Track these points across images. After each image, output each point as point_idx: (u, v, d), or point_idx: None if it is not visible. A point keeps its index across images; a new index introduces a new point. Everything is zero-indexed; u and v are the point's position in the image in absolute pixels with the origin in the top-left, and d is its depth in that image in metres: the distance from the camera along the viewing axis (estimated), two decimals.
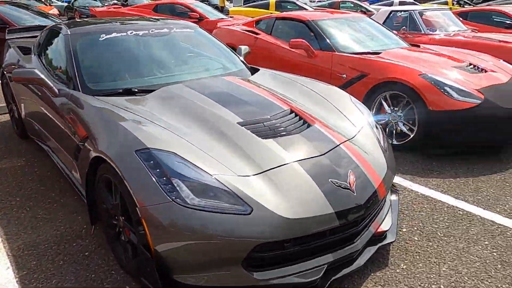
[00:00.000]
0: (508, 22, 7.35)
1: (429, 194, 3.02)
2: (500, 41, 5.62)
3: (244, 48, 3.70)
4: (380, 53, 4.24)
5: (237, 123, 2.19)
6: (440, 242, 2.44)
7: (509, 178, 3.27)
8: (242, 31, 5.53)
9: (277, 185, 1.85)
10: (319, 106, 2.62)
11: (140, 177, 1.78)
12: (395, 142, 3.78)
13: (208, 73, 3.08)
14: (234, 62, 3.39)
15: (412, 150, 3.74)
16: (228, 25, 6.10)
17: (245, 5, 12.73)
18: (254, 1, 13.07)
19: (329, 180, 1.93)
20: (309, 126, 2.30)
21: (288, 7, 11.22)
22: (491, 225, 2.62)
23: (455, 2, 19.47)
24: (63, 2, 26.95)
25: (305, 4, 13.70)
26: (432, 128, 3.50)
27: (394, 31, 5.69)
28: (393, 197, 2.58)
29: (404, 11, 6.47)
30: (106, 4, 21.06)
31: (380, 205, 2.19)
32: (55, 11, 17.29)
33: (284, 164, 1.96)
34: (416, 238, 2.48)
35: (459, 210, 2.79)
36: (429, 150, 3.68)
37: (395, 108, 3.74)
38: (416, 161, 3.59)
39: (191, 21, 9.00)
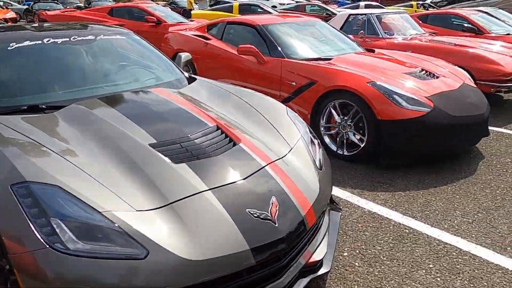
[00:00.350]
0: (465, 25, 7.39)
1: (377, 210, 2.84)
2: (455, 44, 5.58)
3: (184, 56, 3.44)
4: (331, 59, 4.07)
5: (148, 145, 1.93)
6: (382, 267, 2.25)
7: (460, 189, 3.14)
8: (193, 36, 5.27)
9: (184, 220, 1.60)
10: (252, 121, 2.38)
11: (12, 218, 1.49)
12: (346, 153, 3.60)
13: (136, 85, 2.79)
14: (170, 71, 3.11)
15: (363, 161, 3.57)
16: (180, 30, 5.81)
17: (208, 9, 12.46)
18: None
19: (246, 210, 1.70)
20: (234, 145, 2.06)
21: (257, 10, 11.02)
22: (437, 244, 2.45)
23: (420, 5, 19.85)
24: (23, 5, 25.91)
25: (277, 6, 13.57)
26: (381, 138, 3.33)
27: (350, 36, 5.56)
28: (334, 217, 2.38)
29: (362, 14, 6.37)
30: (68, 7, 20.33)
31: (310, 233, 1.98)
32: (12, 14, 16.50)
33: (195, 194, 1.71)
34: (357, 264, 2.28)
35: (406, 228, 2.62)
36: (381, 160, 3.52)
37: (345, 117, 3.57)
38: (367, 173, 3.42)
39: (148, 25, 8.70)
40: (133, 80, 2.85)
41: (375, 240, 2.48)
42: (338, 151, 3.66)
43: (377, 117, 3.28)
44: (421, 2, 21.97)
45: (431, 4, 21.16)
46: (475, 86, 3.99)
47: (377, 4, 16.90)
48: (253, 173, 1.89)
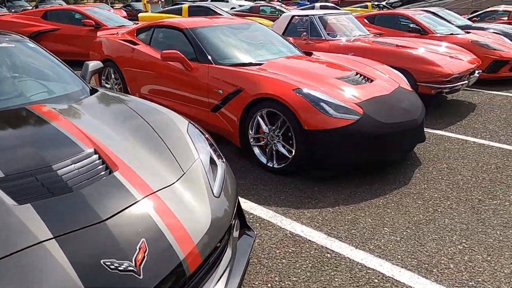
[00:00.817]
0: (411, 25, 7.37)
1: (300, 231, 2.58)
2: (397, 45, 5.48)
3: (92, 65, 3.06)
4: (262, 64, 3.80)
5: None
6: None
7: (392, 202, 2.95)
8: (120, 41, 4.87)
9: (14, 279, 1.25)
10: (145, 143, 2.05)
11: None
12: (276, 166, 3.34)
13: (18, 100, 2.40)
14: (68, 83, 2.74)
15: (294, 174, 3.32)
16: (110, 34, 5.39)
17: (158, 11, 11.99)
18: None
19: (101, 262, 1.37)
20: (110, 173, 1.73)
21: (209, 12, 10.66)
22: (359, 270, 2.21)
23: (375, 6, 20.18)
24: None
25: (236, 8, 13.27)
26: (309, 149, 3.09)
27: (289, 38, 5.34)
28: (244, 245, 2.09)
29: (305, 16, 6.17)
30: (13, 11, 19.20)
31: (197, 277, 1.67)
32: None
33: (33, 246, 1.36)
34: None
35: (328, 252, 2.37)
36: (311, 173, 3.28)
37: (273, 128, 3.30)
38: (296, 187, 3.16)
39: (86, 29, 8.18)
40: (14, 96, 2.45)
41: (292, 270, 2.21)
42: (268, 164, 3.39)
43: (304, 127, 3.03)
44: (376, 3, 22.41)
45: (385, 5, 21.60)
46: (410, 89, 3.84)
47: (333, 5, 16.97)
48: (121, 210, 1.56)
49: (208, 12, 10.70)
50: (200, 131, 2.32)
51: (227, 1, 23.43)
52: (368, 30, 7.85)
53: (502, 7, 13.51)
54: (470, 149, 3.98)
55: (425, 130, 4.51)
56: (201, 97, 3.84)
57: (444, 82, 4.87)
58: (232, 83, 3.53)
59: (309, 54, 4.56)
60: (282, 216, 2.76)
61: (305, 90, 3.12)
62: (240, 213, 2.30)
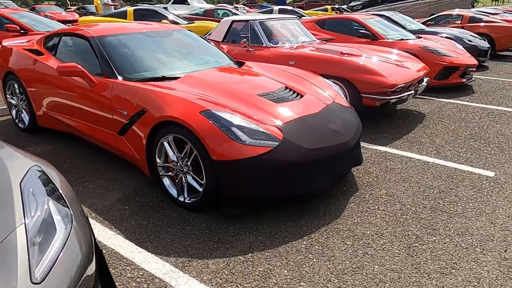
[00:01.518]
0: (361, 31, 7.06)
1: None
2: (341, 53, 5.10)
3: None
4: (178, 78, 3.28)
5: None
6: None
7: (316, 244, 2.49)
8: (23, 51, 4.21)
9: None
10: None
11: None
12: (187, 200, 2.82)
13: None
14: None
15: (208, 210, 2.82)
16: (19, 42, 4.70)
17: (102, 15, 11.20)
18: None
19: None
20: None
21: (156, 16, 10.02)
22: None
23: (335, 10, 20.09)
24: None
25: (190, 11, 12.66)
26: (220, 182, 2.60)
27: (223, 46, 4.85)
28: None
29: (246, 21, 5.71)
30: None
31: None
32: None
33: None
34: None
35: None
36: (224, 210, 2.78)
37: (182, 156, 2.79)
38: (208, 227, 2.66)
39: (11, 35, 7.38)
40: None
41: None
42: (179, 198, 2.87)
43: (211, 157, 2.53)
44: (336, 6, 22.37)
45: (346, 8, 21.59)
46: (346, 105, 3.42)
47: (292, 9, 16.66)
48: None
49: (155, 15, 10.08)
50: (48, 177, 1.75)
51: (188, 4, 22.80)
52: (318, 35, 7.51)
53: (456, 11, 13.63)
54: (414, 169, 3.62)
55: (368, 146, 4.14)
56: (106, 118, 3.27)
57: (389, 93, 4.52)
58: (136, 103, 2.99)
59: (240, 64, 4.09)
60: (179, 272, 2.24)
61: (215, 113, 2.62)
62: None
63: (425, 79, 5.43)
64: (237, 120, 2.61)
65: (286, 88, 3.32)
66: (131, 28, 3.88)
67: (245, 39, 5.53)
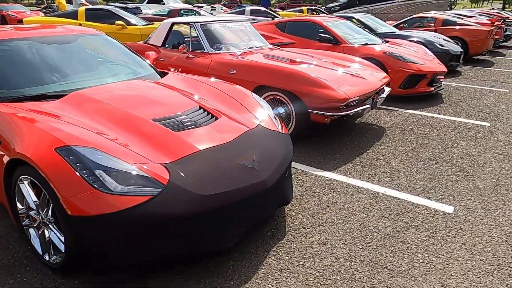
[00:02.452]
0: (322, 34, 6.48)
1: None
2: (290, 61, 4.49)
3: None
4: (62, 96, 2.61)
5: None
6: None
7: None
8: None
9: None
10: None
11: None
12: (52, 261, 2.15)
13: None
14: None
15: (77, 272, 2.16)
16: None
17: (50, 14, 10.37)
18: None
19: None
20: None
21: (112, 17, 9.24)
22: None
23: (311, 11, 19.58)
24: None
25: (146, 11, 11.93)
26: (82, 242, 1.94)
27: (162, 51, 4.18)
28: None
29: (186, 23, 5.05)
30: None
31: None
32: None
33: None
34: None
35: None
36: (94, 272, 2.13)
37: (40, 204, 2.12)
38: None
39: None
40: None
41: None
42: (44, 256, 2.21)
43: (66, 211, 1.87)
44: (313, 7, 21.88)
45: (323, 10, 21.11)
46: (274, 129, 2.79)
47: (265, 9, 16.03)
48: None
49: (110, 16, 9.34)
50: None
51: (164, 3, 22.03)
52: (278, 39, 6.92)
53: (432, 13, 13.23)
54: (360, 203, 3.03)
55: (312, 172, 3.54)
56: None
57: (339, 108, 3.93)
58: None
59: (163, 74, 3.44)
60: None
61: (76, 150, 1.96)
62: None
63: (386, 90, 4.88)
64: (105, 159, 1.95)
65: (200, 108, 2.68)
66: (19, 33, 3.18)
67: (184, 44, 4.87)
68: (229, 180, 2.14)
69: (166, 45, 5.30)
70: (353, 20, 9.34)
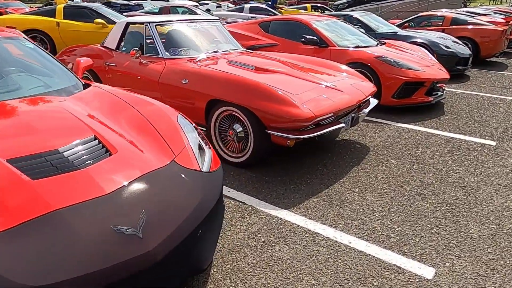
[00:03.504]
0: (308, 36, 5.74)
1: None
2: (255, 68, 3.80)
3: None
4: None
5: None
6: None
7: None
8: None
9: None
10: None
11: None
12: None
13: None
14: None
15: None
16: None
17: (27, 12, 9.83)
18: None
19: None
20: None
21: (91, 15, 8.67)
22: None
23: (316, 8, 18.78)
24: None
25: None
26: None
27: (116, 55, 3.53)
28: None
29: (140, 23, 4.38)
30: None
31: None
32: None
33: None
34: None
35: None
36: None
37: None
38: None
39: None
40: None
41: None
42: None
43: None
44: (319, 5, 21.04)
45: (327, 8, 20.25)
46: (195, 166, 2.11)
47: (265, 7, 15.32)
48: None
49: (90, 14, 8.76)
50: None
51: (168, 0, 21.50)
52: (261, 40, 6.24)
53: (443, 11, 12.34)
54: (312, 261, 2.33)
55: (264, 210, 2.83)
56: None
57: (305, 129, 3.23)
58: None
59: (86, 86, 2.79)
60: None
61: None
62: None
63: (373, 102, 4.15)
64: None
65: (96, 139, 2.02)
66: None
67: (136, 48, 4.21)
68: (90, 257, 1.47)
69: (124, 48, 4.65)
70: (352, 19, 8.59)
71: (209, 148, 2.34)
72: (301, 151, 3.95)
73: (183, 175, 2.00)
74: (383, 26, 8.87)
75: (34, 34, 8.55)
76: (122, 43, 4.62)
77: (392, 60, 5.21)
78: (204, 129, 3.70)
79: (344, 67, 4.37)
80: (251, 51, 4.81)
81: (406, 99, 5.28)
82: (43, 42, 8.69)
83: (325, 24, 6.15)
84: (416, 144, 4.28)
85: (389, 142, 4.33)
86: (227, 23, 8.67)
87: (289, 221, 2.74)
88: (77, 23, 8.58)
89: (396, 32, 8.28)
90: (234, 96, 3.34)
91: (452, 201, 3.06)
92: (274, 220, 2.75)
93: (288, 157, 3.81)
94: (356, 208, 2.93)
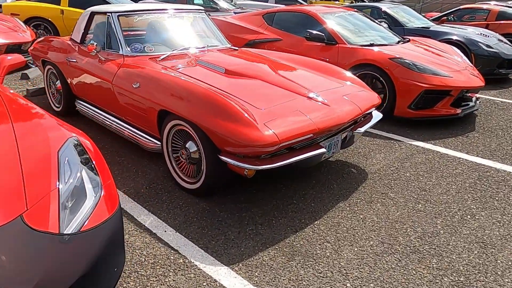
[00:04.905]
0: (312, 31, 4.89)
1: None
2: (226, 71, 3.07)
3: None
4: None
5: None
6: None
7: None
8: None
9: None
10: None
11: None
12: None
13: None
14: None
15: None
16: None
17: None
18: None
19: None
20: None
21: (98, 1, 8.22)
22: None
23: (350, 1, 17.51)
24: None
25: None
26: None
27: (83, 49, 2.94)
28: None
29: (103, 13, 3.74)
30: None
31: None
32: None
33: None
34: None
35: None
36: None
37: None
38: None
39: None
40: None
41: None
42: None
43: None
44: None
45: None
46: (36, 227, 1.42)
47: None
48: None
49: (97, 1, 8.29)
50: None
51: None
52: (264, 34, 5.49)
53: (490, 3, 10.93)
54: None
55: (194, 262, 2.12)
56: None
57: (274, 154, 2.47)
58: None
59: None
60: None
61: None
62: None
63: (376, 116, 3.33)
64: None
65: None
66: None
67: (94, 42, 3.58)
68: None
69: (85, 42, 4.04)
70: (380, 11, 7.62)
71: (100, 192, 1.65)
72: (272, 179, 3.19)
73: (25, 240, 1.33)
74: (414, 20, 7.81)
75: (38, 22, 8.21)
76: (88, 36, 4.01)
77: (410, 63, 4.29)
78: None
79: (348, 74, 3.51)
80: (237, 48, 4.06)
81: (426, 111, 4.35)
82: (47, 30, 8.34)
83: (337, 17, 5.27)
84: (430, 171, 3.39)
85: (395, 167, 3.47)
86: (235, 13, 7.92)
87: None
88: (82, 11, 8.12)
89: (429, 28, 7.21)
90: (184, 108, 2.63)
91: (462, 267, 2.21)
92: (204, 284, 2.04)
93: (258, 182, 3.07)
94: (322, 270, 2.16)
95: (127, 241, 2.35)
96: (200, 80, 2.88)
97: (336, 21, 5.20)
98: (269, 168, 2.43)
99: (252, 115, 2.45)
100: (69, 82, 4.06)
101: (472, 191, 3.07)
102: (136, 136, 3.25)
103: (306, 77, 3.28)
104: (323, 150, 2.67)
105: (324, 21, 5.03)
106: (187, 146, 2.79)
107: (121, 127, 3.43)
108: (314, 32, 4.84)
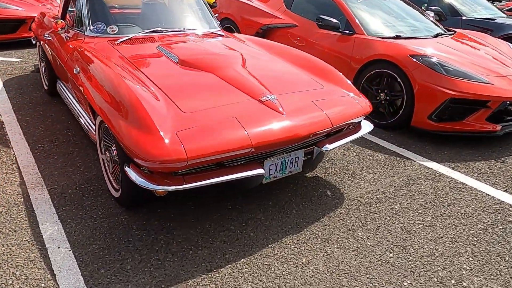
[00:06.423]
0: (323, 17, 4.15)
1: None
2: (180, 61, 2.58)
3: None
4: None
5: None
6: None
7: None
8: None
9: None
10: None
11: None
12: None
13: None
14: None
15: None
16: None
17: None
18: None
19: None
20: None
21: None
22: None
23: None
24: None
25: None
26: None
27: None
28: None
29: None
30: None
31: None
32: None
33: None
34: None
35: None
36: None
37: None
38: None
39: None
40: None
41: None
42: None
43: None
44: None
45: None
46: None
47: None
48: None
49: None
50: None
51: None
52: (280, 19, 4.91)
53: None
54: None
55: None
56: None
57: (180, 174, 1.96)
58: None
59: None
60: None
61: None
62: None
63: (365, 127, 2.65)
64: None
65: None
66: None
67: (60, 20, 3.28)
68: None
69: (59, 20, 3.75)
70: None
71: None
72: (213, 201, 2.67)
73: None
74: (480, 9, 6.60)
75: None
76: (66, 13, 3.73)
77: (436, 62, 3.43)
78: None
79: (347, 81, 2.80)
80: (223, 34, 3.52)
81: (452, 124, 3.48)
82: None
83: (365, 2, 4.46)
84: (428, 206, 2.64)
85: (385, 194, 2.76)
86: None
87: None
88: None
89: (494, 20, 6.01)
90: (101, 104, 2.21)
91: None
92: None
93: (205, 196, 2.58)
94: None
95: (10, 255, 2.02)
96: (137, 70, 2.42)
97: (363, 7, 4.40)
98: (177, 190, 1.94)
99: (164, 121, 1.96)
100: (50, 60, 3.85)
101: (476, 242, 2.30)
102: (85, 124, 2.91)
103: (278, 76, 2.68)
104: (260, 171, 2.10)
105: (344, 6, 4.27)
106: (113, 147, 2.39)
107: (78, 113, 3.12)
108: (327, 18, 4.11)
